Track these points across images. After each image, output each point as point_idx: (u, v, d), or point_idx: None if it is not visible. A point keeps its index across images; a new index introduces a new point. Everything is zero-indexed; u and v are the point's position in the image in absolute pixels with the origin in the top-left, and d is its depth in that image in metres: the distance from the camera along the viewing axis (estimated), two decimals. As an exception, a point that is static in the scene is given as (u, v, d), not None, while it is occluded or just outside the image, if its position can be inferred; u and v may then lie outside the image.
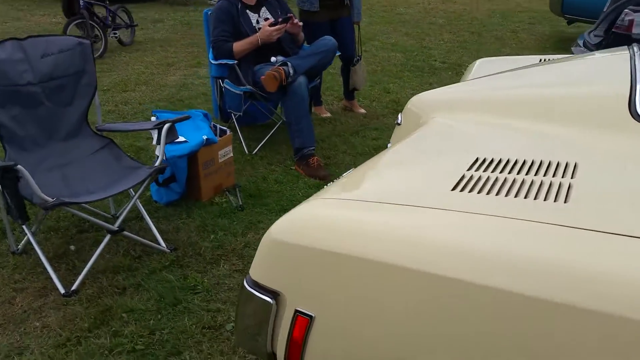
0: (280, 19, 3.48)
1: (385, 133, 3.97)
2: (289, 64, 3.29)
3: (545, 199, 1.06)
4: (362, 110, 4.47)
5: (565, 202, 1.02)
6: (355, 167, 1.43)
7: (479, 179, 1.19)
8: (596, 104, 1.44)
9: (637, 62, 1.55)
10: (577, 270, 0.82)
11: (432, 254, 0.95)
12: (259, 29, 3.51)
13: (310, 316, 1.06)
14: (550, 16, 8.66)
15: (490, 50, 6.63)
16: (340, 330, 1.03)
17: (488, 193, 1.10)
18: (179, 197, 2.95)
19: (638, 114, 1.32)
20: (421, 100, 1.88)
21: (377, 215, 1.09)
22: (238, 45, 3.46)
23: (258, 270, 1.17)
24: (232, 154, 3.15)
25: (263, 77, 3.25)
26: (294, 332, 1.09)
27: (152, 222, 2.58)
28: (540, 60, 2.43)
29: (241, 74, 3.45)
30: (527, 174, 1.19)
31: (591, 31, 4.62)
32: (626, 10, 3.72)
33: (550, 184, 1.11)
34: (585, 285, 0.80)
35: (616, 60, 1.70)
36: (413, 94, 5.05)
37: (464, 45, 6.96)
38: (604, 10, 4.79)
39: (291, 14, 3.53)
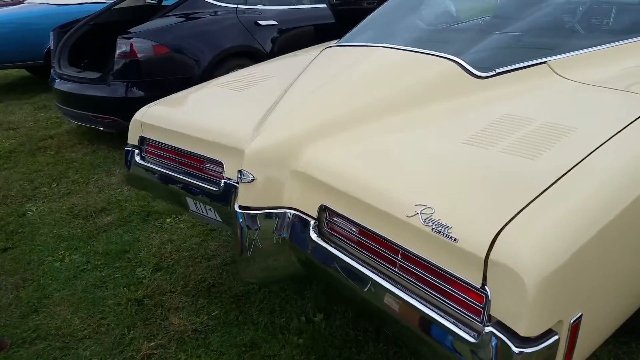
0: None
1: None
2: None
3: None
4: None
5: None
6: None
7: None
8: (442, 80, 1.75)
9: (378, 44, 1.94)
10: None
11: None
12: None
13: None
14: None
15: None
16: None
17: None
18: None
19: (476, 75, 1.75)
20: (267, 147, 1.65)
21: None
22: None
23: (537, 321, 1.04)
24: None
25: None
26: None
27: None
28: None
29: None
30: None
31: (58, 66, 4.53)
32: (119, 41, 3.87)
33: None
34: None
35: (364, 51, 2.00)
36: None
37: None
38: (52, 48, 4.76)
39: None
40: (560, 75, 1.72)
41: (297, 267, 1.72)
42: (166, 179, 2.16)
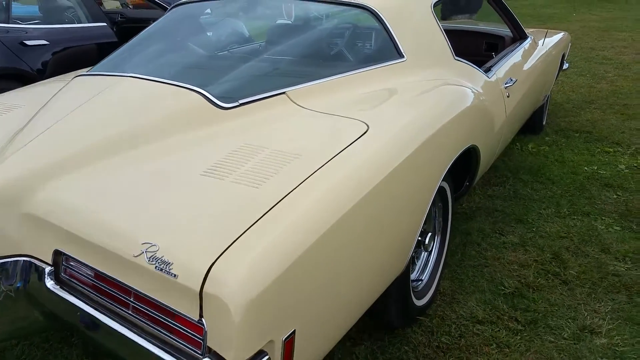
0: None
1: None
2: None
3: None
4: None
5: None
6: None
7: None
8: (186, 112, 1.76)
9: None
10: None
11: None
12: None
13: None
14: None
15: None
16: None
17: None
18: None
19: (220, 106, 1.78)
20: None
21: None
22: None
23: (245, 345, 1.10)
24: None
25: None
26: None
27: None
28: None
29: None
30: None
31: None
32: None
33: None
34: None
35: (111, 81, 1.92)
36: None
37: None
38: None
39: None
40: (296, 104, 1.86)
41: (40, 321, 1.58)
42: None
